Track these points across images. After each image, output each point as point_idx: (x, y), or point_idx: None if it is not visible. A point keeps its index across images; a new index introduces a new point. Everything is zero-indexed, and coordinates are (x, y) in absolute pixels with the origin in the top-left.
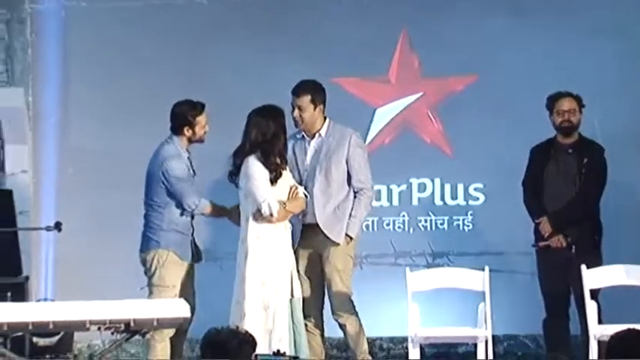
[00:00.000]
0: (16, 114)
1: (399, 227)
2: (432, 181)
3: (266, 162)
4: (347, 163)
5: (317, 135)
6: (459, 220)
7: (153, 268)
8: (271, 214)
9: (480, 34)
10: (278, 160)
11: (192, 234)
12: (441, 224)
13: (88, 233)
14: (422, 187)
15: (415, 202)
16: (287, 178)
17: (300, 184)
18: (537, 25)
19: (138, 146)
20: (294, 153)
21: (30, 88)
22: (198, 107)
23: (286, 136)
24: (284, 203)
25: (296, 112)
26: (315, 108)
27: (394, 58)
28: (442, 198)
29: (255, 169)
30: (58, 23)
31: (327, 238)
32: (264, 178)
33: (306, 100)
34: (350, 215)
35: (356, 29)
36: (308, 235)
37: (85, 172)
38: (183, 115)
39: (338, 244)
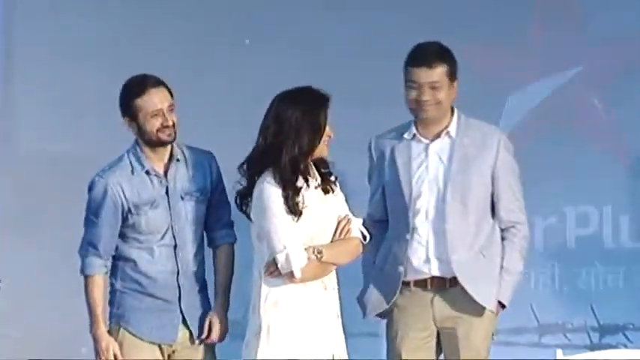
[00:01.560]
0: None
1: (545, 285)
2: (600, 209)
3: (281, 178)
4: (492, 180)
5: (443, 134)
6: None
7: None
8: (292, 273)
9: None
10: (300, 177)
11: (181, 299)
12: (614, 280)
13: (34, 292)
14: (582, 220)
15: (571, 243)
16: (332, 203)
17: (406, 213)
18: None
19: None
20: (394, 163)
21: None
22: (147, 82)
23: (323, 134)
24: (319, 252)
25: (427, 94)
26: (451, 85)
27: (535, 7)
28: (616, 238)
29: (268, 193)
30: None
31: (468, 301)
32: (282, 207)
33: (441, 72)
34: (502, 268)
35: None
36: (426, 297)
37: (30, 199)
38: (121, 100)
39: (482, 313)
